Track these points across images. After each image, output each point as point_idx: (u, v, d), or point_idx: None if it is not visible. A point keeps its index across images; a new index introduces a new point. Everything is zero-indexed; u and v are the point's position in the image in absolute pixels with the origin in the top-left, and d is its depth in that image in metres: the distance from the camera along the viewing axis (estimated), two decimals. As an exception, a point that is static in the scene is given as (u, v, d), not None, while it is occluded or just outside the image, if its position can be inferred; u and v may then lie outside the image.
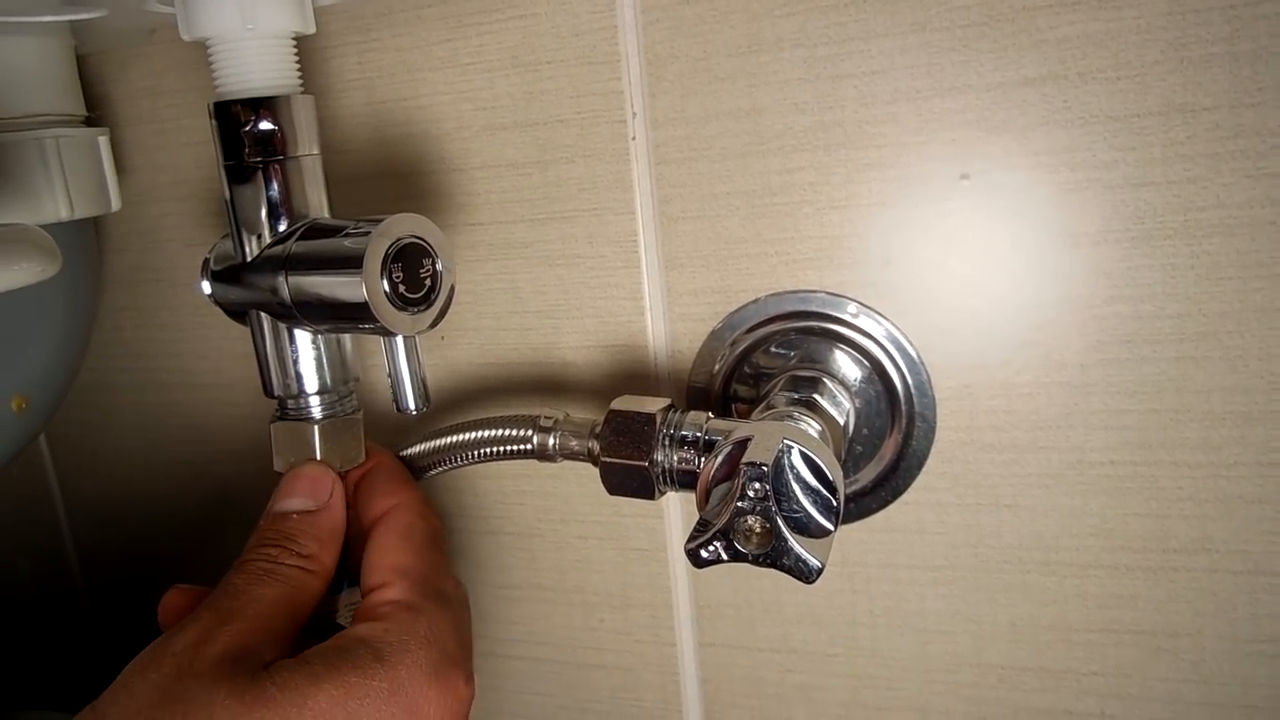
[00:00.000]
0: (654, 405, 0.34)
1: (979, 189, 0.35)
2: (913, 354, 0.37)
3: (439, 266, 0.33)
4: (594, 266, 0.40)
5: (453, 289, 0.33)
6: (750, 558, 0.29)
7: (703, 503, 0.31)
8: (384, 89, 0.41)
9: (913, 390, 0.37)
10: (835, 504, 0.29)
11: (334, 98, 0.42)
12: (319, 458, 0.35)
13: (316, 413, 0.35)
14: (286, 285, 0.32)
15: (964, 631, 0.39)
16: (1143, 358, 0.35)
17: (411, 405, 0.34)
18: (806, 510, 0.29)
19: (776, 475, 0.28)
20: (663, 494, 0.34)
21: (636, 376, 0.41)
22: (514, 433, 0.36)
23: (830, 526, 0.29)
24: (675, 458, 0.33)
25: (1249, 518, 0.35)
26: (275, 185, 0.33)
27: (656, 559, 0.43)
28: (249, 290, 0.34)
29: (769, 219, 0.37)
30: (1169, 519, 0.36)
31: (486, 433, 0.36)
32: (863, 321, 0.37)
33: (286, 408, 0.35)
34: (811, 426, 0.33)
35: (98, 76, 0.46)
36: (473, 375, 0.44)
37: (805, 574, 0.28)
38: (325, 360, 0.35)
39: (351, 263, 0.31)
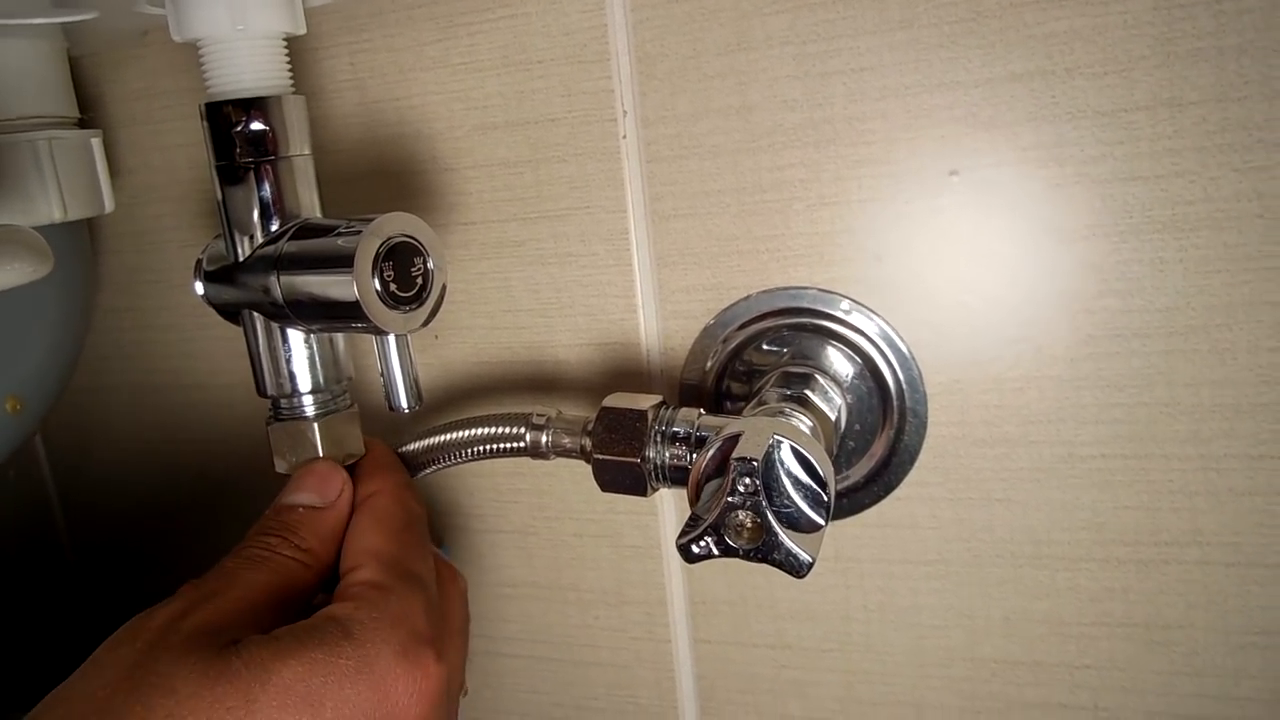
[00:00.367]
0: (646, 402, 0.34)
1: (968, 185, 0.35)
2: (904, 350, 0.37)
3: (430, 265, 0.33)
4: (586, 264, 0.40)
5: (444, 288, 0.34)
6: (741, 553, 0.29)
7: (694, 498, 0.31)
8: (376, 89, 0.42)
9: (904, 386, 0.37)
10: (826, 499, 0.29)
11: (326, 98, 0.42)
12: (320, 454, 0.35)
13: (310, 411, 0.35)
14: (279, 285, 0.33)
15: (957, 626, 0.40)
16: (1132, 351, 0.35)
17: (404, 404, 0.34)
18: (797, 505, 0.29)
19: (767, 470, 0.28)
20: (655, 490, 0.35)
21: (629, 374, 0.41)
22: (507, 430, 0.36)
23: (821, 521, 0.29)
24: (667, 454, 0.33)
25: (1239, 510, 0.35)
26: (267, 185, 0.34)
27: (651, 556, 0.43)
28: (242, 290, 0.34)
29: (760, 216, 0.37)
30: (1160, 512, 0.36)
31: (480, 431, 0.36)
32: (854, 318, 0.37)
33: (280, 407, 0.35)
34: (803, 422, 0.33)
35: (91, 78, 0.46)
36: (466, 374, 0.44)
37: (796, 569, 0.28)
38: (318, 359, 0.35)
39: (343, 262, 0.31)
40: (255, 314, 0.35)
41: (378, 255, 0.31)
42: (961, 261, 0.36)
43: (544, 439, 0.36)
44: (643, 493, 0.34)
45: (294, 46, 0.34)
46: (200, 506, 0.52)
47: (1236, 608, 0.36)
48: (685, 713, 0.45)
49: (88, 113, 0.45)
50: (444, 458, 0.37)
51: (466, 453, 0.37)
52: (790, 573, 0.28)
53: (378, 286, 0.31)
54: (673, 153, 0.38)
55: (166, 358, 0.50)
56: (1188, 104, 0.32)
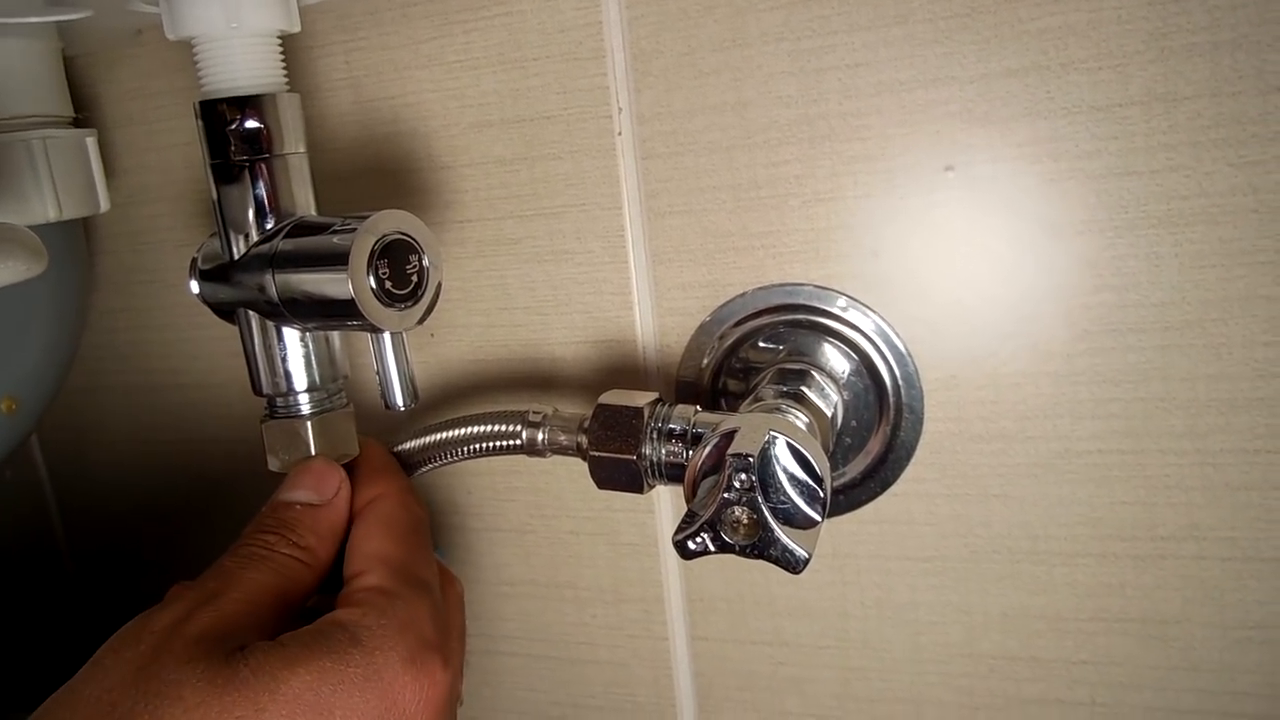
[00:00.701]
0: (642, 399, 0.34)
1: (964, 180, 0.35)
2: (900, 346, 0.37)
3: (425, 262, 0.33)
4: (582, 262, 0.40)
5: (439, 285, 0.34)
6: (737, 549, 0.29)
7: (690, 495, 0.31)
8: (371, 87, 0.42)
9: (900, 382, 0.38)
10: (822, 494, 0.29)
11: (322, 96, 0.42)
12: (314, 453, 0.35)
13: (306, 410, 0.35)
14: (274, 283, 0.33)
15: (955, 622, 0.40)
16: (1128, 346, 0.35)
17: (400, 402, 0.34)
18: (793, 501, 0.29)
19: (763, 466, 0.28)
20: (651, 487, 0.35)
21: (626, 371, 0.41)
22: (503, 428, 0.36)
23: (817, 517, 0.29)
24: (663, 451, 0.33)
25: (1236, 504, 0.35)
26: (262, 183, 0.33)
27: (648, 554, 0.43)
28: (237, 289, 0.34)
29: (756, 212, 0.37)
30: (1156, 507, 0.36)
31: (476, 429, 0.36)
32: (850, 314, 0.37)
33: (276, 406, 0.35)
34: (799, 418, 0.33)
35: (85, 78, 0.46)
36: (463, 371, 0.44)
37: (792, 564, 0.28)
38: (314, 358, 0.35)
39: (338, 259, 0.31)
40: (251, 312, 0.35)
41: (373, 253, 0.31)
42: (957, 257, 0.36)
43: (540, 436, 0.36)
44: (639, 490, 0.34)
45: (289, 45, 0.34)
46: (196, 506, 0.52)
47: (1233, 602, 0.36)
48: (683, 710, 0.45)
49: (83, 112, 0.45)
50: (440, 456, 0.37)
51: (463, 451, 0.37)
52: (786, 568, 0.28)
53: (373, 284, 0.31)
54: (668, 149, 0.38)
55: (162, 357, 0.50)
56: (1182, 99, 0.32)
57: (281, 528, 0.32)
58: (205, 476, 0.51)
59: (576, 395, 0.42)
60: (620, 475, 0.34)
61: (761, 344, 0.39)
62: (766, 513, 0.28)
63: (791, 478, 0.29)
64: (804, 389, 0.36)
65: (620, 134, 0.38)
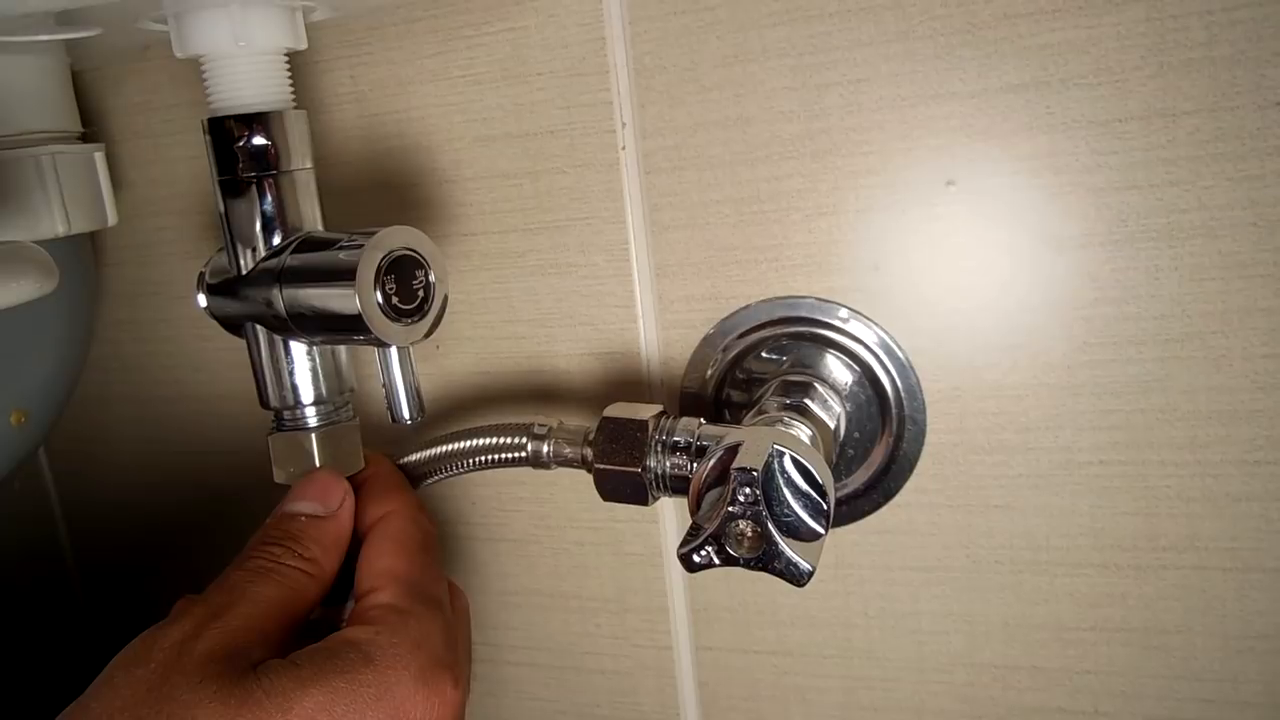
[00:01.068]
0: (646, 412, 0.35)
1: (965, 194, 0.35)
2: (902, 358, 0.37)
3: (432, 278, 0.33)
4: (586, 275, 0.41)
5: (445, 299, 0.34)
6: (742, 562, 0.29)
7: (695, 508, 0.31)
8: (376, 102, 0.42)
9: (903, 393, 0.38)
10: (825, 507, 0.29)
11: (327, 112, 0.43)
12: (318, 465, 0.35)
13: (313, 423, 0.35)
14: (281, 298, 0.33)
15: (957, 631, 0.40)
16: (1128, 359, 0.35)
17: (406, 415, 0.34)
18: (797, 514, 0.29)
19: (767, 480, 0.29)
20: (656, 499, 0.35)
21: (630, 383, 0.41)
22: (508, 441, 0.36)
23: (820, 530, 0.29)
24: (668, 463, 0.34)
25: (1236, 515, 0.35)
26: (269, 199, 0.34)
27: (652, 564, 0.43)
28: (244, 303, 0.34)
29: (758, 226, 0.38)
30: (1158, 517, 0.36)
31: (481, 441, 0.37)
32: (852, 326, 0.38)
33: (283, 419, 0.36)
34: (802, 431, 0.34)
35: (93, 93, 0.47)
36: (468, 384, 0.44)
37: (796, 577, 0.29)
38: (321, 371, 0.35)
39: (345, 275, 0.31)
40: (258, 326, 0.35)
41: (380, 268, 0.31)
42: (959, 270, 0.36)
43: (545, 449, 0.36)
44: (644, 502, 0.34)
45: (294, 61, 0.35)
46: (202, 517, 0.52)
47: (1234, 612, 0.36)
48: (687, 719, 0.45)
49: (90, 126, 0.45)
50: (446, 468, 0.37)
51: (469, 463, 0.37)
52: (791, 581, 0.29)
53: (380, 299, 0.31)
54: (671, 164, 0.38)
55: (169, 369, 0.50)
56: (1181, 114, 0.33)
57: (287, 540, 0.32)
58: (211, 488, 0.51)
59: (581, 407, 0.42)
60: (625, 488, 0.34)
61: (765, 356, 0.39)
62: (771, 526, 0.29)
63: (796, 491, 0.29)
64: (807, 401, 0.36)
65: (624, 148, 0.39)
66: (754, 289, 0.39)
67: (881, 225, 0.36)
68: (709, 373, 0.40)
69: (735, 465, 0.29)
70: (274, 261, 0.33)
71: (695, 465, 0.33)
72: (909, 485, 0.39)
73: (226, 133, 0.33)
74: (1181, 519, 0.36)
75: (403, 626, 0.30)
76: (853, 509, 0.40)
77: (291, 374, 0.35)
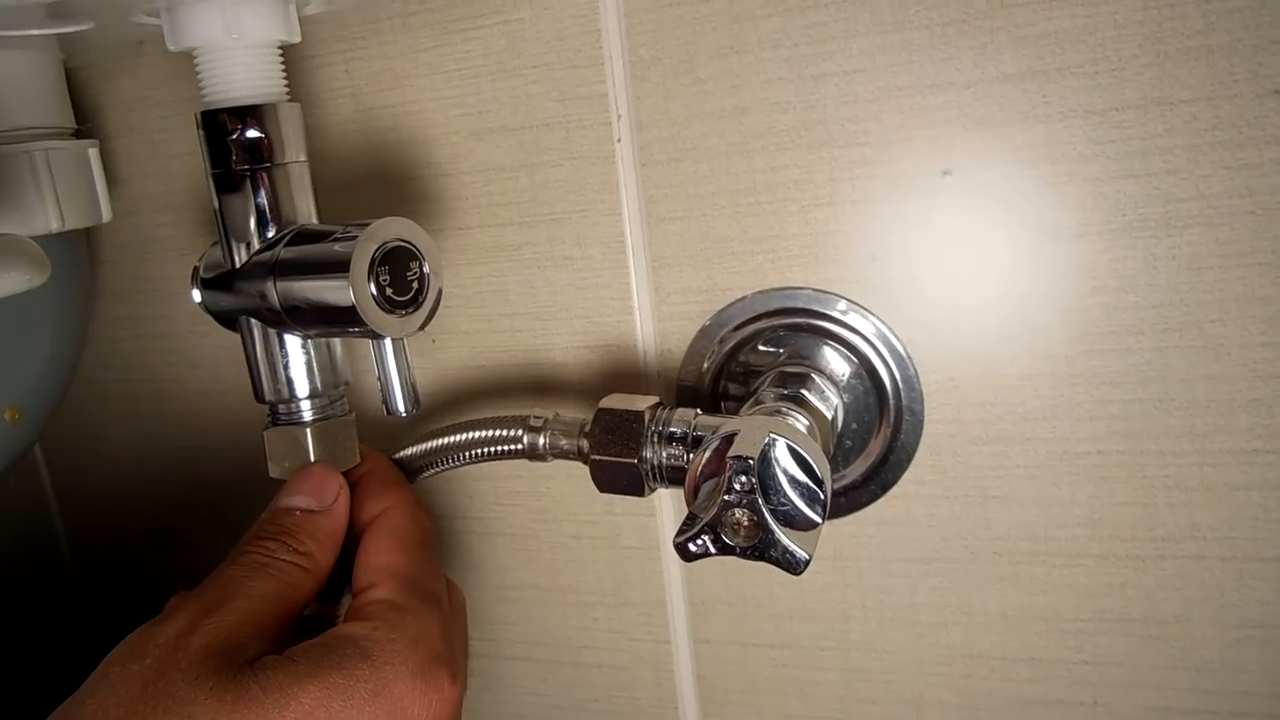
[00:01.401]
0: (643, 403, 0.35)
1: (961, 184, 0.35)
2: (900, 349, 0.37)
3: (426, 269, 0.33)
4: (582, 268, 0.41)
5: (440, 291, 0.34)
6: (738, 550, 0.29)
7: (691, 498, 0.31)
8: (371, 96, 0.42)
9: (900, 385, 0.38)
10: (822, 496, 0.29)
11: (322, 105, 0.43)
12: (312, 460, 0.35)
13: (308, 417, 0.35)
14: (275, 290, 0.33)
15: (956, 623, 0.40)
16: (1126, 348, 0.35)
17: (401, 408, 0.34)
18: (793, 503, 0.29)
19: (763, 468, 0.29)
20: (652, 490, 0.35)
21: (626, 375, 0.41)
22: (504, 433, 0.36)
23: (817, 518, 0.29)
24: (664, 454, 0.34)
25: (1235, 504, 0.35)
26: (263, 192, 0.34)
27: (650, 557, 0.43)
28: (239, 297, 0.34)
29: (755, 217, 0.38)
30: (1156, 507, 0.36)
31: (477, 434, 0.37)
32: (850, 318, 0.38)
33: (278, 413, 0.35)
34: (799, 421, 0.34)
35: (87, 89, 0.47)
36: (464, 377, 0.44)
37: (792, 565, 0.29)
38: (315, 365, 0.35)
39: (338, 267, 0.31)
40: (253, 320, 0.35)
41: (373, 260, 0.31)
42: (956, 261, 0.36)
43: (541, 441, 0.36)
44: (640, 493, 0.34)
45: (289, 54, 0.35)
46: (198, 512, 0.52)
47: (1234, 602, 0.36)
48: (686, 713, 0.45)
49: (84, 122, 0.45)
50: (442, 461, 0.37)
51: (464, 456, 0.37)
52: (787, 569, 0.29)
53: (374, 291, 0.31)
54: (667, 156, 0.38)
55: (164, 365, 0.50)
56: (1178, 102, 0.32)
57: (282, 534, 0.32)
58: (207, 483, 0.51)
59: (577, 400, 0.42)
60: (621, 479, 0.34)
61: (761, 347, 0.39)
62: (767, 514, 0.28)
63: (792, 480, 0.29)
64: (804, 392, 0.36)
65: (619, 141, 0.39)
66: (751, 280, 0.38)
67: (878, 216, 0.36)
68: (706, 365, 0.40)
69: (731, 453, 0.29)
70: (268, 254, 0.33)
71: (691, 456, 0.33)
72: (907, 477, 0.39)
73: (220, 126, 0.33)
74: (1180, 508, 0.36)
75: (400, 622, 0.30)
76: (850, 500, 0.39)
77: (286, 367, 0.35)
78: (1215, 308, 0.34)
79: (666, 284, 0.40)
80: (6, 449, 0.44)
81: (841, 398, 0.38)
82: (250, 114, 0.33)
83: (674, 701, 0.45)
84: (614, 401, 0.35)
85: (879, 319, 0.37)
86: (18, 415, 0.43)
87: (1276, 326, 0.33)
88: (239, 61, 0.33)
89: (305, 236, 0.33)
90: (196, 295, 0.36)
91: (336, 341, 0.36)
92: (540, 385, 0.43)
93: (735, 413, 0.39)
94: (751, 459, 0.28)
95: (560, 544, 0.45)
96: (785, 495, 0.29)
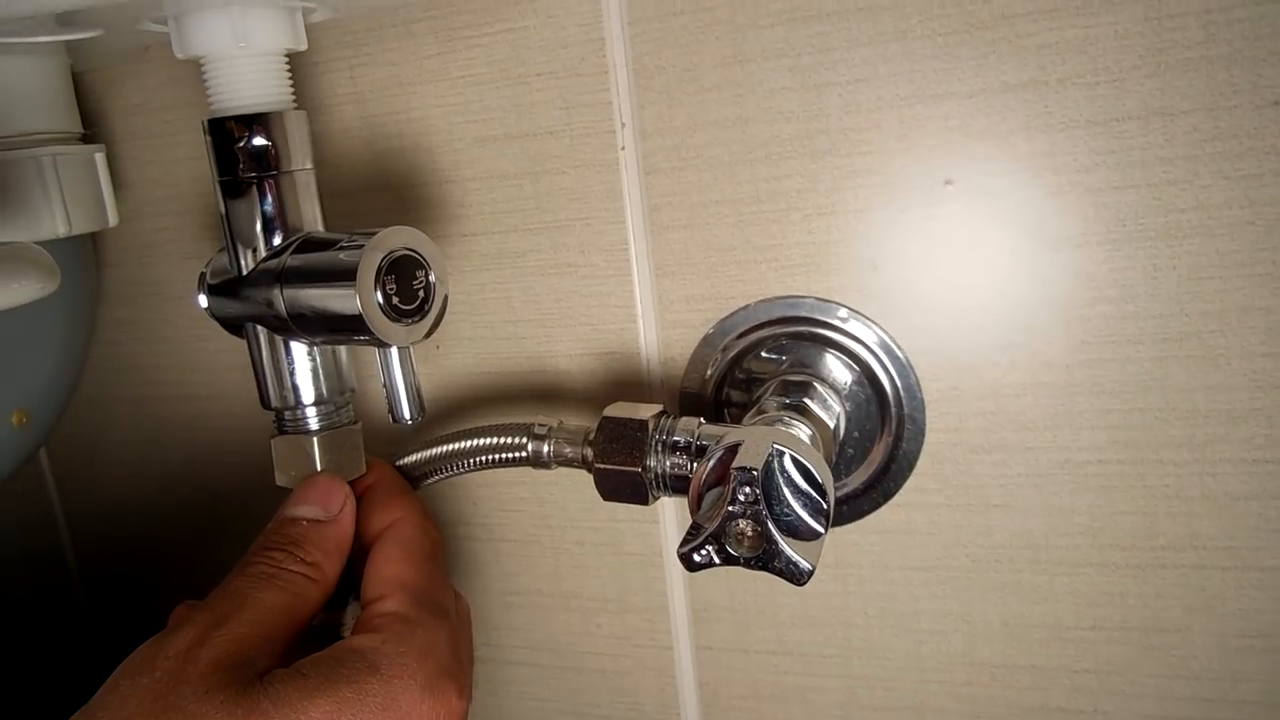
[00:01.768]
0: (646, 411, 0.35)
1: (963, 194, 0.35)
2: (901, 357, 0.38)
3: (432, 278, 0.33)
4: (586, 275, 0.41)
5: (446, 300, 0.34)
6: (742, 561, 0.29)
7: (695, 507, 0.31)
8: (376, 103, 0.42)
9: (902, 393, 0.38)
10: (825, 507, 0.29)
11: (327, 112, 0.43)
12: (319, 469, 0.35)
13: (314, 424, 0.35)
14: (282, 298, 0.33)
15: (957, 631, 0.40)
16: (1127, 358, 0.35)
17: (407, 415, 0.34)
18: (797, 513, 0.29)
19: (767, 479, 0.29)
20: (656, 499, 0.35)
21: (630, 383, 0.41)
22: (509, 440, 0.36)
23: (820, 529, 0.29)
24: (668, 463, 0.34)
25: (1235, 514, 0.35)
26: (269, 200, 0.34)
27: (652, 564, 0.43)
28: (245, 304, 0.34)
29: (757, 226, 0.38)
30: (1156, 516, 0.36)
31: (482, 441, 0.37)
32: (852, 326, 0.38)
33: (284, 420, 0.36)
34: (802, 431, 0.34)
35: (92, 93, 0.47)
36: (468, 384, 0.44)
37: (796, 576, 0.29)
38: (321, 372, 0.35)
39: (345, 275, 0.31)
40: (259, 327, 0.35)
41: (380, 269, 0.31)
42: (957, 270, 0.36)
43: (546, 449, 0.36)
44: (644, 501, 0.35)
45: (294, 61, 0.35)
46: (202, 517, 0.52)
47: (1234, 611, 0.36)
48: (688, 719, 0.45)
49: (90, 127, 0.45)
50: (447, 468, 0.37)
51: (469, 463, 0.37)
52: (791, 580, 0.29)
53: (380, 300, 0.31)
54: (671, 164, 0.38)
55: (167, 369, 0.50)
56: (1179, 113, 0.33)
57: (289, 544, 0.32)
58: (210, 488, 0.52)
59: (581, 407, 0.42)
60: (625, 487, 0.34)
61: (764, 356, 0.39)
62: (771, 525, 0.29)
63: (795, 490, 0.29)
64: (806, 400, 0.36)
65: (623, 149, 0.39)
66: (753, 289, 0.39)
67: (880, 225, 0.36)
68: (709, 373, 0.40)
69: (735, 465, 0.29)
70: (274, 262, 0.33)
71: (695, 465, 0.33)
72: (908, 485, 0.39)
73: (227, 133, 0.33)
74: (1180, 518, 0.36)
75: (409, 635, 0.30)
76: (852, 508, 0.40)
77: (292, 374, 0.35)
78: (1215, 318, 0.34)
79: (670, 292, 0.40)
80: (14, 452, 0.44)
81: (843, 406, 0.38)
82: (257, 122, 0.33)
83: (676, 707, 0.45)
84: (618, 410, 0.35)
85: (881, 327, 0.38)
86: (25, 419, 0.43)
87: (1276, 337, 0.34)
88: (246, 70, 0.33)
89: (312, 244, 0.33)
90: (203, 301, 0.36)
91: (342, 348, 0.36)
92: (543, 392, 0.43)
93: (738, 420, 0.39)
94: (756, 470, 0.28)
95: (563, 550, 0.45)
96: (789, 506, 0.29)
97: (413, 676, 0.29)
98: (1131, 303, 0.35)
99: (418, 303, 0.33)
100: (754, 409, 0.37)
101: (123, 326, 0.50)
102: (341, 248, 0.32)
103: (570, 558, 0.45)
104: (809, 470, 0.29)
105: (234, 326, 0.36)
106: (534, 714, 0.48)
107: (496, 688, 0.48)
